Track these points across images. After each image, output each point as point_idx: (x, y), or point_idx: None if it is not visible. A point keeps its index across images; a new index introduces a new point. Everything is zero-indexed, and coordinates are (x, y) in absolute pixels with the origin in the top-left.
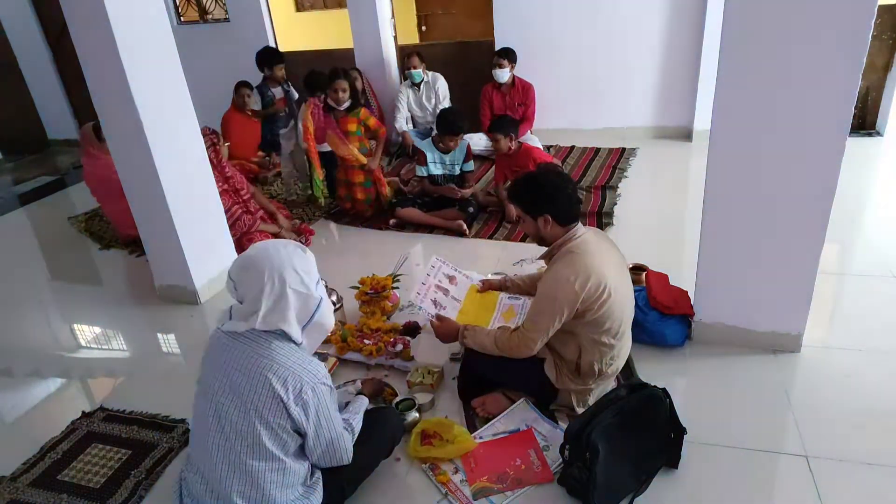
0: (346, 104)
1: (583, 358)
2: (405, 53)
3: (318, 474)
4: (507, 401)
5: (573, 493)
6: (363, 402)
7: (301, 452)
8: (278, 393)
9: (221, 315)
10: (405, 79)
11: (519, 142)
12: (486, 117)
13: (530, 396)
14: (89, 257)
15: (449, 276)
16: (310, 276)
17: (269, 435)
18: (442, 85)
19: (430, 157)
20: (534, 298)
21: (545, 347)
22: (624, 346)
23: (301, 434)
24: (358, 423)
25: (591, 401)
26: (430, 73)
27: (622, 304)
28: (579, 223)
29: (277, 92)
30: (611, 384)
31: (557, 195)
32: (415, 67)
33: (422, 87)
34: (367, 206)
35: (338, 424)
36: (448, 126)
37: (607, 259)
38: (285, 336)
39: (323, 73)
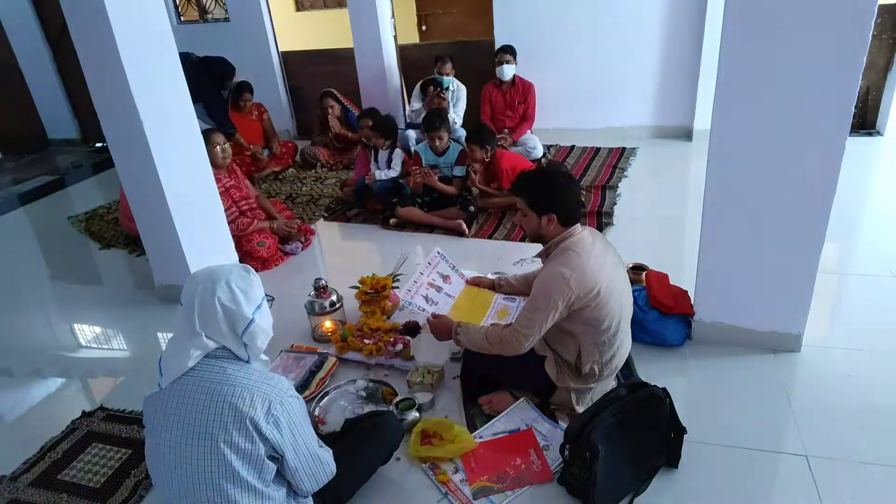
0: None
1: (582, 358)
2: (435, 56)
3: (309, 500)
4: (513, 399)
5: (573, 493)
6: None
7: (279, 479)
8: (247, 414)
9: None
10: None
11: (492, 152)
12: (486, 116)
13: (532, 394)
14: (89, 257)
15: (444, 276)
16: (246, 296)
17: (244, 464)
18: (462, 97)
19: (424, 158)
20: (529, 295)
21: (546, 345)
22: (623, 346)
23: (277, 458)
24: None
25: (592, 400)
26: (455, 82)
27: (619, 302)
28: (578, 223)
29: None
30: (611, 384)
31: (566, 196)
32: (446, 74)
33: (448, 95)
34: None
35: (313, 437)
36: (426, 123)
37: (603, 258)
38: (234, 356)
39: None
